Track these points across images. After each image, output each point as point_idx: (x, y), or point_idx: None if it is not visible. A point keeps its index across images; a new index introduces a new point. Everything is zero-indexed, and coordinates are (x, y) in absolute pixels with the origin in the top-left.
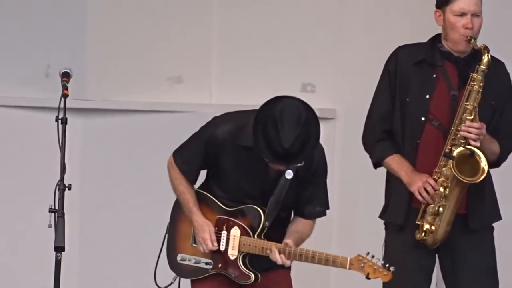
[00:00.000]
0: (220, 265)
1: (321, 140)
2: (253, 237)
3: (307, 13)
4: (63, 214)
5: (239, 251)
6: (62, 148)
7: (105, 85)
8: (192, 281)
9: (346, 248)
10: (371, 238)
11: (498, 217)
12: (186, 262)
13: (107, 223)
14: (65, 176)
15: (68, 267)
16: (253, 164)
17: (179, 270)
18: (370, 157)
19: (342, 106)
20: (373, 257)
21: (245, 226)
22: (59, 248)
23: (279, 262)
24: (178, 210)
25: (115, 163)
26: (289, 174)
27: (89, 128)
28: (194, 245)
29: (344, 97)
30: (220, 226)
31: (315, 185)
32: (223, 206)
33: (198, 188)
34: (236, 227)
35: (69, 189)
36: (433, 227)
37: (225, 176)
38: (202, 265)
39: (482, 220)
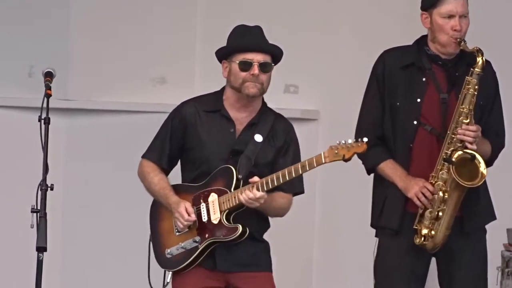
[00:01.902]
0: (207, 235)
1: (304, 141)
2: (230, 192)
3: (291, 15)
4: (45, 214)
5: (221, 212)
6: (45, 148)
7: (88, 85)
8: (173, 274)
9: (328, 250)
10: (353, 242)
11: (493, 217)
12: (176, 253)
13: (89, 224)
14: (48, 176)
15: (50, 268)
16: (221, 125)
17: (172, 264)
18: (363, 163)
19: (325, 108)
20: (344, 141)
21: (221, 188)
22: (41, 249)
23: (252, 196)
24: (155, 212)
25: (98, 163)
26: (258, 137)
27: (72, 128)
28: (178, 233)
29: (327, 99)
30: (197, 202)
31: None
32: (195, 185)
33: (172, 185)
34: (212, 194)
35: (52, 189)
36: (432, 232)
37: (195, 148)
38: (192, 245)
39: (477, 222)
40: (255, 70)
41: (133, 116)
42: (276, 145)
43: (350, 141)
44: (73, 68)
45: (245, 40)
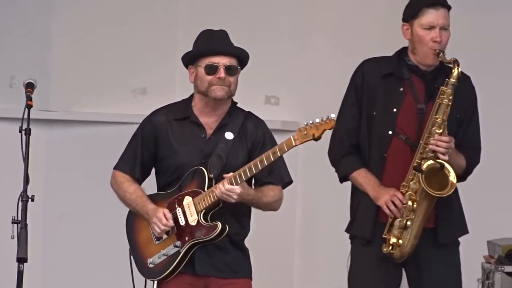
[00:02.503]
0: (187, 238)
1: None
2: (204, 191)
3: (272, 26)
4: (26, 225)
5: (197, 212)
6: (26, 159)
7: (69, 96)
8: (157, 284)
9: (309, 255)
10: (334, 248)
11: (465, 231)
12: (158, 261)
13: (70, 234)
14: (29, 187)
15: (30, 279)
16: (191, 131)
17: (155, 273)
18: (336, 171)
19: (306, 119)
20: (312, 121)
21: (194, 189)
22: (21, 260)
23: (224, 190)
24: (131, 224)
25: (78, 174)
26: (229, 135)
27: (53, 139)
28: (157, 241)
29: (308, 110)
30: (172, 207)
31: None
32: (168, 192)
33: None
34: (186, 197)
35: (32, 200)
36: (400, 241)
37: (168, 156)
38: (173, 251)
39: (450, 234)
40: (221, 73)
41: (114, 127)
42: (248, 142)
43: (317, 120)
44: (54, 79)
45: (210, 44)
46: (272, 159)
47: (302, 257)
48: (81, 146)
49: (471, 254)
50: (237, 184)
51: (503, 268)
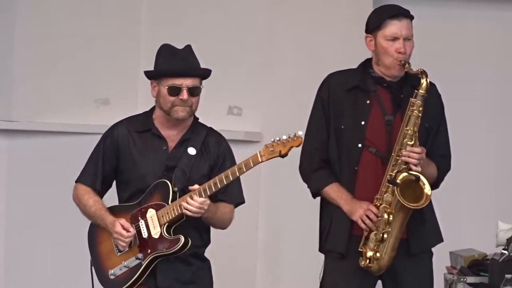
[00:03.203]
0: (149, 251)
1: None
2: (168, 204)
3: (235, 37)
4: None
5: (160, 225)
6: None
7: (32, 107)
8: None
9: (271, 272)
10: (296, 260)
11: (440, 240)
12: (120, 273)
13: (32, 244)
14: None
15: None
16: (153, 144)
17: (117, 285)
18: (308, 187)
19: (268, 130)
20: (279, 138)
21: (158, 202)
22: None
23: (193, 203)
24: (93, 236)
25: (41, 184)
26: (192, 150)
27: (15, 149)
28: (119, 253)
29: (271, 121)
30: (135, 220)
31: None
32: (131, 204)
33: (108, 207)
34: (149, 209)
35: None
36: (377, 254)
37: (130, 168)
38: (135, 263)
39: (423, 244)
40: (184, 95)
41: (76, 138)
42: (210, 158)
43: (284, 136)
44: (16, 89)
45: (174, 65)
46: (238, 175)
47: (264, 270)
48: (43, 156)
49: (434, 265)
50: (201, 196)
51: (465, 279)
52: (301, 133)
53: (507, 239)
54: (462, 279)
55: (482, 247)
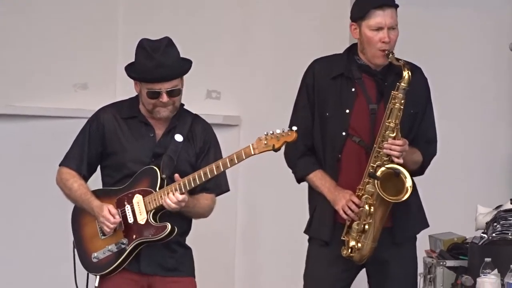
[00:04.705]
0: (134, 236)
1: (225, 147)
2: (155, 191)
3: (214, 21)
4: None
5: (147, 212)
6: None
7: (9, 91)
8: (100, 278)
9: (250, 255)
10: (275, 248)
11: (425, 225)
12: (103, 256)
13: (10, 229)
14: None
15: None
16: (140, 130)
17: (99, 268)
18: (293, 173)
19: (247, 113)
20: (272, 132)
21: (145, 188)
22: None
23: (173, 200)
24: (77, 218)
25: (18, 168)
26: (178, 137)
27: None
28: (103, 237)
29: (249, 104)
30: (121, 204)
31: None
32: (118, 188)
33: (92, 191)
34: (136, 195)
35: None
36: (359, 244)
37: (117, 153)
38: (119, 248)
39: (408, 232)
40: (164, 98)
41: (54, 122)
42: (196, 145)
43: (278, 131)
44: None
45: (150, 73)
46: (229, 166)
47: (243, 256)
48: (21, 140)
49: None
50: (185, 189)
51: (444, 263)
52: (295, 128)
53: (486, 223)
54: (441, 263)
55: (462, 230)
